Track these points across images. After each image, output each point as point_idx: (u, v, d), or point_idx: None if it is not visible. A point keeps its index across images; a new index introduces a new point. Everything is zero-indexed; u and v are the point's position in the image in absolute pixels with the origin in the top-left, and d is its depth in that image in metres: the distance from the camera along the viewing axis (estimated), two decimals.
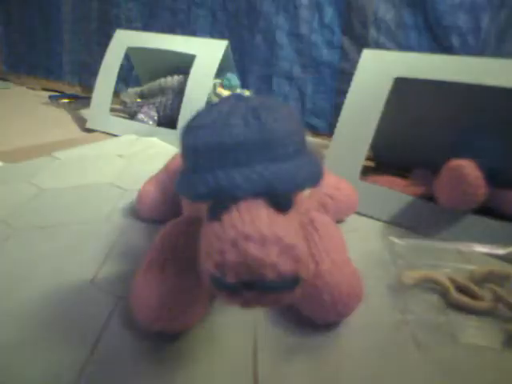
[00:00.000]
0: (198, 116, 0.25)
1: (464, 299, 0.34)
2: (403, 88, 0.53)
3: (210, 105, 0.27)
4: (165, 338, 0.29)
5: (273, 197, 0.23)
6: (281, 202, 0.23)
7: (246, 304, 0.21)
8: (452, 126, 0.54)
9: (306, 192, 0.31)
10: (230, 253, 0.20)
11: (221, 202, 0.22)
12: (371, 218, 0.51)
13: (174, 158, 0.48)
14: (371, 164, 0.71)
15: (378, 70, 0.55)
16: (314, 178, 0.25)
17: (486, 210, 0.46)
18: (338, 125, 0.57)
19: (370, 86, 0.55)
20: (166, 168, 0.47)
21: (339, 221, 0.48)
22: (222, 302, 0.21)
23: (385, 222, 0.50)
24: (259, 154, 0.23)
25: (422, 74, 0.52)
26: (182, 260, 0.28)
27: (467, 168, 0.44)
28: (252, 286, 0.20)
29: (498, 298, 0.33)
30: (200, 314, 0.29)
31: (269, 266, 0.20)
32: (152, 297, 0.27)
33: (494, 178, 0.44)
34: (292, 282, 0.20)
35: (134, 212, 0.48)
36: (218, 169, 0.23)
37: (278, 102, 0.26)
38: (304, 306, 0.30)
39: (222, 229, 0.21)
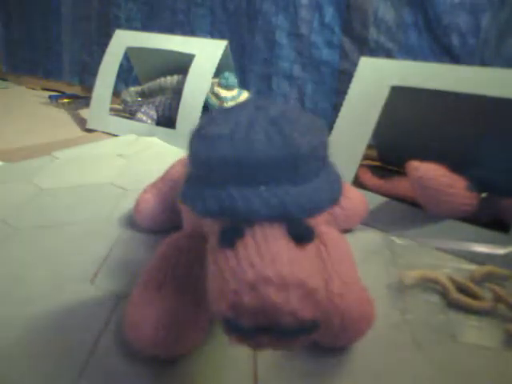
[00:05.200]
0: (213, 123, 0.23)
1: (464, 299, 0.34)
2: (405, 89, 0.53)
3: (225, 110, 0.24)
4: None
5: (293, 225, 0.21)
6: (302, 234, 0.21)
7: (259, 347, 0.20)
8: (451, 131, 0.54)
9: None
10: (247, 295, 0.18)
11: (234, 228, 0.21)
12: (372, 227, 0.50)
13: (173, 166, 0.46)
14: (371, 164, 0.71)
15: (374, 78, 0.56)
16: (335, 198, 0.23)
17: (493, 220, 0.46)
18: (334, 132, 0.57)
19: (367, 94, 0.55)
20: (166, 176, 0.46)
21: (348, 230, 0.47)
22: (232, 342, 0.20)
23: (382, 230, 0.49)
24: (280, 173, 0.21)
25: (419, 83, 0.52)
26: (182, 279, 0.27)
27: (421, 170, 0.43)
28: (267, 331, 0.19)
29: (498, 298, 0.33)
30: (199, 338, 0.28)
31: (288, 313, 0.18)
32: (147, 320, 0.25)
33: (496, 186, 0.44)
34: (311, 327, 0.19)
35: (133, 214, 0.48)
36: (234, 186, 0.21)
37: (300, 111, 0.24)
38: None
39: (237, 264, 0.20)
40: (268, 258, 0.19)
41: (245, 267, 0.19)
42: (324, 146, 0.23)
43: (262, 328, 0.19)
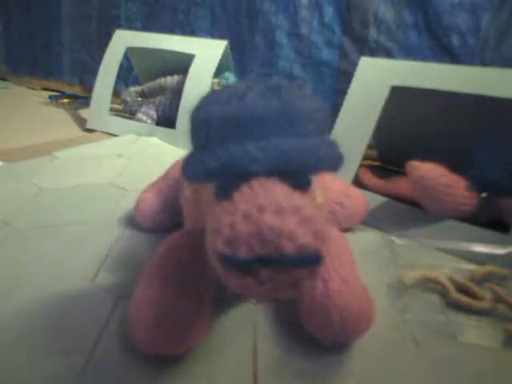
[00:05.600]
0: (212, 93, 0.24)
1: (464, 299, 0.34)
2: (405, 89, 0.53)
3: (224, 87, 0.25)
4: None
5: (289, 175, 0.20)
6: (298, 181, 0.20)
7: (261, 286, 0.18)
8: (451, 131, 0.54)
9: (319, 197, 0.30)
10: (241, 225, 0.18)
11: (231, 180, 0.20)
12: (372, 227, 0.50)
13: (174, 166, 0.46)
14: (371, 164, 0.71)
15: (374, 79, 0.55)
16: (334, 160, 0.23)
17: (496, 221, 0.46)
18: (333, 132, 0.57)
19: (367, 95, 0.55)
20: (166, 176, 0.46)
21: (348, 230, 0.47)
22: (233, 287, 0.19)
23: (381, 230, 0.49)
24: (277, 128, 0.21)
25: (419, 83, 0.52)
26: (183, 278, 0.27)
27: (420, 170, 0.43)
28: (267, 263, 0.18)
29: (497, 298, 0.33)
30: (201, 337, 0.27)
31: (286, 236, 0.17)
32: (150, 318, 0.25)
33: (496, 186, 0.44)
34: (313, 257, 0.18)
35: (133, 214, 0.48)
36: (232, 143, 0.21)
37: (296, 86, 0.24)
38: (311, 327, 0.28)
39: (232, 204, 0.19)
40: (263, 193, 0.19)
41: (239, 203, 0.19)
42: (320, 112, 0.23)
43: (261, 260, 0.18)
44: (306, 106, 0.22)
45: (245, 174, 0.20)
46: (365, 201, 0.47)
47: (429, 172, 0.44)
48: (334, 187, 0.44)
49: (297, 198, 0.19)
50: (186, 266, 0.27)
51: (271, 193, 0.19)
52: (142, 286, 0.27)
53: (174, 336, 0.25)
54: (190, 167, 0.23)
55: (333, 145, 0.23)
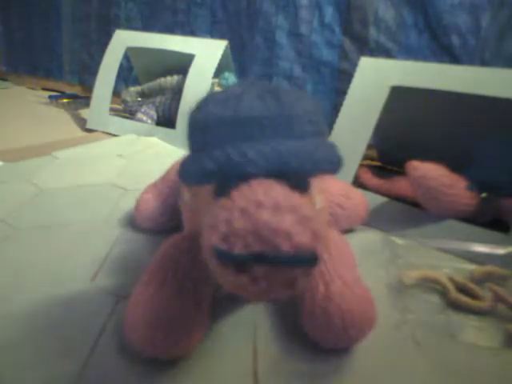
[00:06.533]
0: (210, 95, 0.24)
1: (464, 299, 0.34)
2: (405, 89, 0.53)
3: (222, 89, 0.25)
4: None
5: (287, 177, 0.20)
6: (296, 183, 0.20)
7: (255, 284, 0.18)
8: (451, 131, 0.54)
9: (319, 203, 0.29)
10: (238, 221, 0.18)
11: (230, 181, 0.20)
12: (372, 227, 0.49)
13: (173, 167, 0.46)
14: (371, 164, 0.71)
15: (374, 79, 0.55)
16: (332, 162, 0.23)
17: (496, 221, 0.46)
18: (333, 132, 0.57)
19: (367, 95, 0.55)
20: (166, 176, 0.46)
21: (348, 231, 0.46)
22: (227, 286, 0.18)
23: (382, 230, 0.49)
24: (274, 130, 0.21)
25: (419, 83, 0.52)
26: (182, 280, 0.27)
27: (420, 170, 0.43)
28: (263, 260, 0.17)
29: (498, 298, 0.33)
30: (198, 340, 0.27)
31: (283, 234, 0.17)
32: (146, 321, 0.25)
33: (496, 186, 0.44)
34: (309, 257, 0.18)
35: (133, 214, 0.48)
36: (229, 144, 0.21)
37: (296, 88, 0.24)
38: (312, 330, 0.28)
39: (229, 201, 0.19)
40: (261, 190, 0.19)
41: (237, 200, 0.19)
42: (317, 113, 0.23)
43: (257, 256, 0.17)
44: (305, 107, 0.22)
45: (243, 176, 0.20)
46: (365, 202, 0.47)
47: (429, 172, 0.44)
48: (334, 188, 0.44)
49: (295, 198, 0.19)
50: (185, 268, 0.27)
51: (270, 191, 0.19)
52: (140, 287, 0.27)
53: (170, 338, 0.25)
54: (187, 169, 0.23)
55: (331, 147, 0.23)
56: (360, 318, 0.26)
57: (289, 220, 0.18)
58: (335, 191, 0.44)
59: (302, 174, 0.21)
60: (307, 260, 0.18)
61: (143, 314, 0.25)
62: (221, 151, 0.21)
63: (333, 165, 0.23)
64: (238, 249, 0.17)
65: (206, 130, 0.22)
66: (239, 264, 0.18)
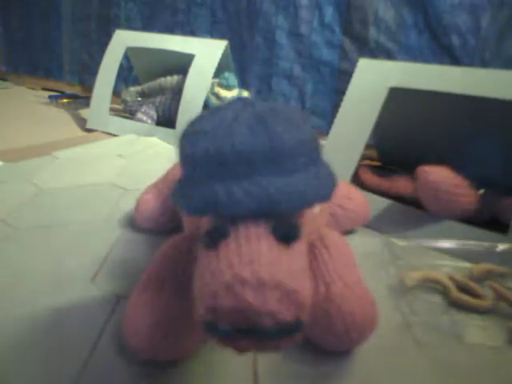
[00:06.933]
0: (199, 120, 0.23)
1: (465, 298, 0.34)
2: (404, 89, 0.53)
3: (213, 109, 0.24)
4: None
5: (278, 223, 0.20)
6: (287, 232, 0.20)
7: (242, 350, 0.19)
8: (452, 130, 0.54)
9: (316, 209, 0.29)
10: (223, 298, 0.18)
11: (218, 227, 0.20)
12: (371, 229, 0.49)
13: (174, 167, 0.46)
14: (371, 163, 0.71)
15: (373, 80, 0.55)
16: (325, 193, 0.22)
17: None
18: (332, 132, 0.57)
19: (365, 96, 0.55)
20: (166, 177, 0.45)
21: (349, 232, 0.46)
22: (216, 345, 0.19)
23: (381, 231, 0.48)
24: (264, 166, 0.20)
25: (417, 85, 0.52)
26: (181, 282, 0.26)
27: (433, 174, 0.44)
28: (248, 333, 0.18)
29: (499, 296, 0.33)
30: (198, 342, 0.27)
31: (266, 314, 0.18)
32: (145, 322, 0.24)
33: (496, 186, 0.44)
34: (292, 328, 0.18)
35: (134, 215, 0.47)
36: (216, 181, 0.20)
37: (288, 108, 0.23)
38: (313, 333, 0.27)
39: (217, 265, 0.19)
40: (246, 259, 0.19)
41: (223, 268, 0.19)
42: (311, 142, 0.23)
43: (243, 330, 0.18)
44: (296, 138, 0.21)
45: (231, 216, 0.20)
46: (367, 203, 0.47)
47: (440, 175, 0.44)
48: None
49: (281, 265, 0.19)
50: (184, 269, 0.27)
51: (256, 258, 0.19)
52: (140, 288, 0.27)
53: (170, 340, 0.25)
54: (178, 198, 0.23)
55: (325, 178, 0.23)
56: (361, 319, 0.26)
57: (272, 299, 0.18)
58: (337, 192, 0.44)
59: (293, 218, 0.21)
60: (291, 330, 0.19)
61: (143, 317, 0.25)
62: (209, 189, 0.20)
63: (325, 196, 0.22)
64: (224, 323, 0.18)
65: (194, 163, 0.21)
66: (224, 336, 0.18)
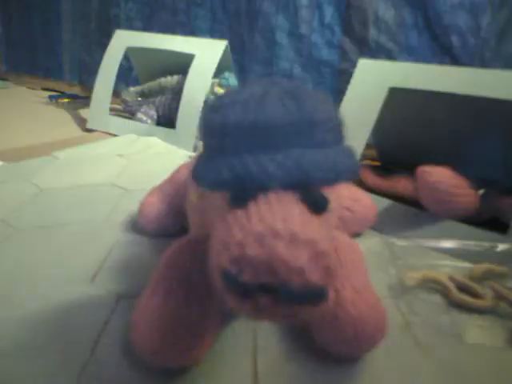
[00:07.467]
0: (227, 95, 0.22)
1: (466, 298, 0.34)
2: (404, 90, 0.53)
3: (238, 88, 0.23)
4: None
5: (307, 193, 0.20)
6: (316, 201, 0.20)
7: (257, 311, 0.18)
8: (452, 130, 0.54)
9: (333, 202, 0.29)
10: (252, 247, 0.17)
11: (247, 190, 0.19)
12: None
13: (179, 170, 0.45)
14: (371, 164, 0.71)
15: (372, 80, 0.55)
16: (354, 169, 0.22)
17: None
18: None
19: (365, 96, 0.55)
20: (171, 179, 0.45)
21: (356, 234, 0.46)
22: (229, 303, 0.18)
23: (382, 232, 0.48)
24: (296, 138, 0.20)
25: (417, 85, 0.52)
26: (190, 286, 0.26)
27: (433, 174, 0.44)
28: (269, 290, 0.17)
29: (499, 296, 0.33)
30: (207, 346, 0.26)
31: (296, 271, 0.17)
32: (154, 327, 0.24)
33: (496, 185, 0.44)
34: (317, 294, 0.17)
35: (135, 212, 0.47)
36: (248, 153, 0.20)
37: (312, 90, 0.23)
38: (323, 339, 0.27)
39: (246, 218, 0.18)
40: (280, 216, 0.18)
41: (254, 221, 0.18)
42: (338, 119, 0.23)
43: (264, 286, 0.17)
44: (325, 113, 0.21)
45: (262, 189, 0.19)
46: (373, 205, 0.46)
47: (441, 176, 0.44)
48: (342, 192, 0.43)
49: (313, 228, 0.19)
50: (191, 275, 0.26)
51: (289, 216, 0.18)
52: (147, 294, 0.26)
53: (179, 347, 0.24)
54: (202, 172, 0.22)
55: (351, 154, 0.23)
56: (372, 326, 0.26)
57: (304, 256, 0.17)
58: (343, 195, 0.43)
59: (323, 187, 0.21)
60: (314, 298, 0.18)
61: (151, 325, 0.24)
62: (239, 161, 0.20)
63: (353, 173, 0.22)
64: (247, 276, 0.17)
65: (224, 134, 0.21)
66: (245, 291, 0.17)
